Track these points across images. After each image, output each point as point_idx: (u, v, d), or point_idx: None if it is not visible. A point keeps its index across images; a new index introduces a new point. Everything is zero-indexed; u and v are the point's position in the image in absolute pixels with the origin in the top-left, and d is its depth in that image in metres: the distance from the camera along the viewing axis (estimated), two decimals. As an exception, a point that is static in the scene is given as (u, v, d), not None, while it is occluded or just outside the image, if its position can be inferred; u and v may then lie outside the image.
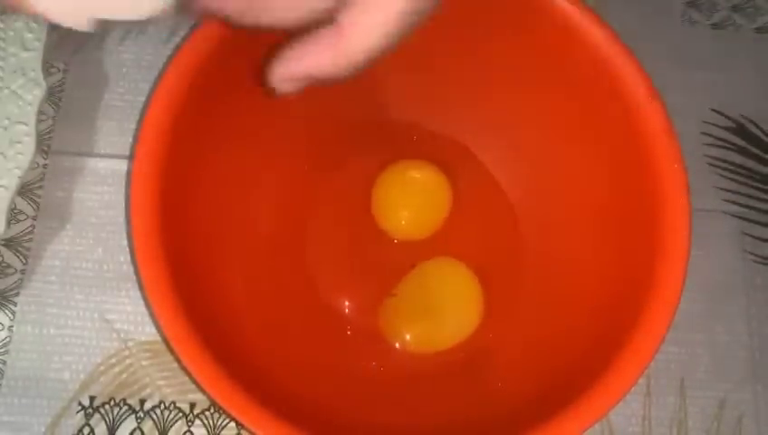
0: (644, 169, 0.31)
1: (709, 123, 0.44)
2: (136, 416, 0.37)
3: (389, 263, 0.39)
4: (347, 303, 0.39)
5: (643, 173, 0.31)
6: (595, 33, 0.32)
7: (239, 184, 0.36)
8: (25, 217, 0.40)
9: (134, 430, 0.37)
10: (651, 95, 0.31)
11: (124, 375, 0.38)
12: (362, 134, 0.40)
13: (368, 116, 0.40)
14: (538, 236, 0.39)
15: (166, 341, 0.29)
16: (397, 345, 0.38)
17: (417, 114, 0.40)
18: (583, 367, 0.30)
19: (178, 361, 0.29)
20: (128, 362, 0.38)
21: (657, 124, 0.31)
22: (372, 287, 0.39)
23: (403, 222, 0.40)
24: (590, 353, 0.31)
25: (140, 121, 0.32)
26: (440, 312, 0.39)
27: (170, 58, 0.32)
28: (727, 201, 0.43)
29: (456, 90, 0.39)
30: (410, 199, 0.40)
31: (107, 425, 0.37)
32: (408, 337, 0.38)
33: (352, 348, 0.38)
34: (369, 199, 0.40)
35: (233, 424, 0.37)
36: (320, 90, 0.37)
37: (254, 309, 0.35)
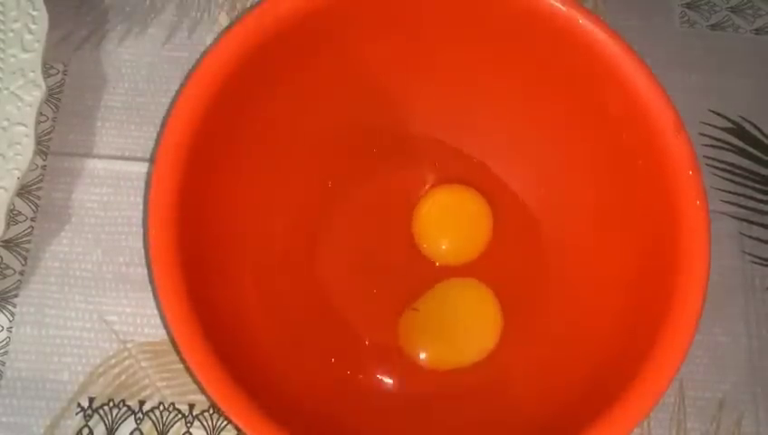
0: (667, 201, 0.31)
1: (708, 124, 0.44)
2: (135, 417, 0.37)
3: (413, 278, 0.39)
4: (366, 316, 0.38)
5: (666, 205, 0.31)
6: (626, 65, 0.32)
7: (258, 195, 0.36)
8: (24, 218, 0.40)
9: (133, 431, 0.37)
10: (677, 128, 0.31)
11: (123, 376, 0.38)
12: (386, 148, 0.40)
13: (393, 130, 0.40)
14: (560, 258, 0.38)
15: (180, 354, 0.29)
16: (420, 358, 0.37)
17: (442, 131, 0.40)
18: (601, 391, 0.30)
19: (189, 370, 0.29)
20: (127, 363, 0.38)
21: (681, 158, 0.31)
22: (394, 300, 0.38)
23: (444, 247, 0.40)
24: (608, 378, 0.31)
25: (163, 125, 0.32)
26: (458, 331, 0.38)
27: (195, 63, 0.32)
28: (726, 202, 0.43)
29: (484, 111, 0.39)
30: (454, 225, 0.40)
31: (106, 426, 0.37)
32: (424, 354, 0.37)
33: (368, 361, 0.38)
34: (387, 212, 0.40)
35: (232, 425, 0.37)
36: (346, 103, 0.37)
37: (270, 319, 0.35)
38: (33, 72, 0.38)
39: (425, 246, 0.40)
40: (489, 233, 0.40)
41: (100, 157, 0.41)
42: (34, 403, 0.37)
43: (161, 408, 0.37)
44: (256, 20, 0.32)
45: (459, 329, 0.38)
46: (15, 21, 0.39)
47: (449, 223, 0.40)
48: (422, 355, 0.37)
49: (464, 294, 0.39)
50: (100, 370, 0.38)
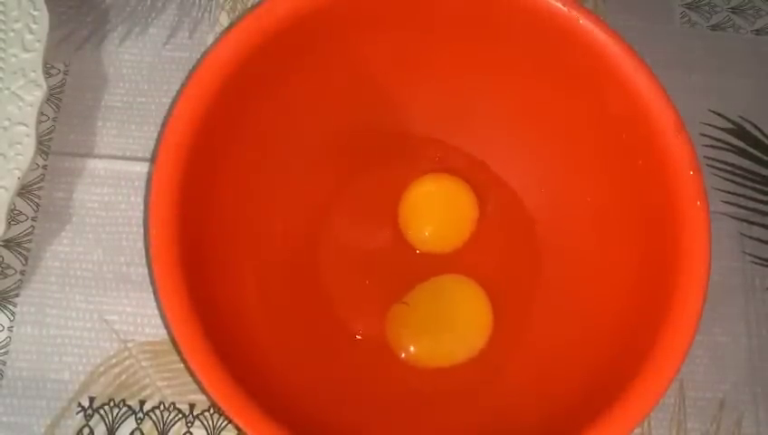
0: (667, 201, 0.31)
1: (708, 124, 0.44)
2: (136, 417, 0.37)
3: (406, 273, 0.39)
4: (359, 310, 0.39)
5: (666, 205, 0.32)
6: (626, 65, 0.32)
7: (258, 194, 0.36)
8: (25, 217, 0.40)
9: (134, 430, 0.37)
10: (678, 128, 0.31)
11: (124, 376, 0.38)
12: (386, 146, 0.40)
13: (393, 129, 0.40)
14: (559, 257, 0.39)
15: (180, 354, 0.29)
16: (403, 355, 0.37)
17: (442, 130, 0.40)
18: (601, 391, 0.30)
19: (189, 370, 0.29)
20: (127, 362, 0.38)
21: (682, 158, 0.31)
22: (386, 296, 0.39)
23: (427, 234, 0.40)
24: (608, 378, 0.31)
25: (164, 125, 0.32)
26: (446, 328, 0.38)
27: (196, 63, 0.32)
28: (726, 203, 0.43)
29: (484, 111, 0.39)
30: (437, 213, 0.40)
31: (106, 426, 0.37)
32: (412, 348, 0.38)
33: (360, 358, 0.38)
34: (388, 210, 0.40)
35: (232, 425, 0.37)
36: (346, 103, 0.38)
37: (270, 319, 0.35)
38: (34, 71, 0.38)
39: (409, 232, 0.40)
40: (473, 222, 0.40)
41: (100, 157, 0.41)
42: (35, 403, 0.37)
43: (162, 407, 0.37)
44: (257, 20, 0.32)
45: (447, 326, 0.38)
46: (17, 21, 0.39)
47: (432, 210, 0.40)
48: (409, 350, 0.37)
49: (454, 292, 0.39)
50: (101, 369, 0.38)
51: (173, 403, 0.37)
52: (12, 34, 0.39)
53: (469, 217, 0.40)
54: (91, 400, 0.37)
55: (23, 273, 0.39)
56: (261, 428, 0.28)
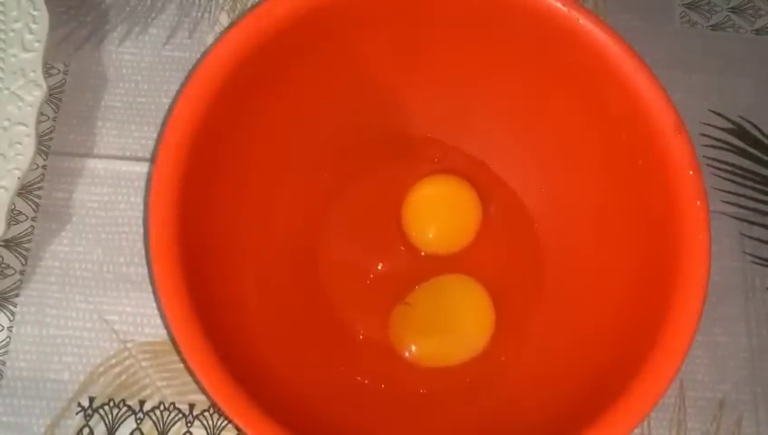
0: (667, 201, 0.31)
1: (708, 124, 0.44)
2: (135, 417, 0.37)
3: (407, 273, 0.39)
4: (361, 311, 0.39)
5: (666, 205, 0.31)
6: (626, 65, 0.32)
7: (258, 194, 0.36)
8: (25, 217, 0.40)
9: (134, 430, 0.37)
10: (677, 128, 0.31)
11: (124, 376, 0.38)
12: (386, 146, 0.40)
13: (393, 129, 0.40)
14: (559, 257, 0.39)
15: (180, 353, 0.29)
16: (406, 354, 0.37)
17: (441, 130, 0.40)
18: (601, 391, 0.30)
19: (189, 370, 0.29)
20: (127, 362, 0.38)
21: (682, 158, 0.31)
22: (388, 297, 0.39)
23: (431, 236, 0.40)
24: (608, 378, 0.31)
25: (163, 125, 0.32)
26: (449, 328, 0.38)
27: (196, 63, 0.32)
28: (726, 202, 0.43)
29: (484, 111, 0.39)
30: (442, 215, 0.40)
31: (106, 426, 0.37)
32: (414, 348, 0.38)
33: (362, 357, 0.38)
34: (388, 210, 0.40)
35: (232, 425, 0.37)
36: (346, 103, 0.38)
37: (270, 319, 0.35)
38: (33, 71, 0.38)
39: (413, 234, 0.40)
40: (477, 223, 0.40)
41: (100, 157, 0.41)
42: (35, 403, 0.37)
43: (162, 407, 0.37)
44: (257, 20, 0.32)
45: (449, 326, 0.38)
46: (16, 21, 0.39)
47: (436, 211, 0.40)
48: (411, 350, 0.37)
49: (456, 291, 0.39)
50: (101, 369, 0.38)
51: (173, 403, 0.37)
52: (12, 34, 0.39)
53: (473, 219, 0.40)
54: (91, 400, 0.37)
55: (22, 273, 0.39)
56: (261, 428, 0.28)
